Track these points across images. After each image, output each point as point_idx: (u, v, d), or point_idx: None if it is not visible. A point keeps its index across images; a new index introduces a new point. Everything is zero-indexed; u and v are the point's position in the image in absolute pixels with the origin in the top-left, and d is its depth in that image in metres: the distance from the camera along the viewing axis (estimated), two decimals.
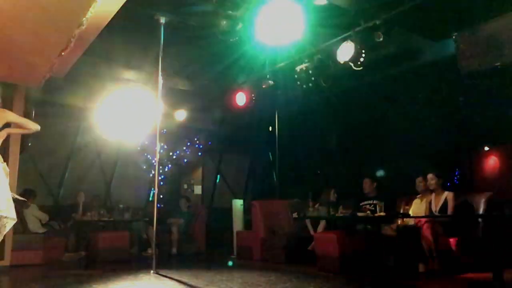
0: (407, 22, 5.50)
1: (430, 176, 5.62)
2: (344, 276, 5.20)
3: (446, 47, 5.71)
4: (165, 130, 8.41)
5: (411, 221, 5.62)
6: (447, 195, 5.43)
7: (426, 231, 5.18)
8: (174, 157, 10.05)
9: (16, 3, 3.82)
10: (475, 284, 4.59)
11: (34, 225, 6.83)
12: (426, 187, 5.75)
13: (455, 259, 5.03)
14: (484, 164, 8.20)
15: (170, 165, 9.94)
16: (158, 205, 5.85)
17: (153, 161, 6.53)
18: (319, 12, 5.76)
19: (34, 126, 4.18)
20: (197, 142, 10.43)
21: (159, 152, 6.04)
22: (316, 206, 6.46)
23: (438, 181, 5.55)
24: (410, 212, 5.69)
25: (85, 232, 7.54)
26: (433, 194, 5.61)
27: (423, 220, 5.34)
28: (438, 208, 5.44)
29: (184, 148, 10.34)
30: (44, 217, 7.05)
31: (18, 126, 4.17)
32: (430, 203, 5.56)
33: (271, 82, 7.07)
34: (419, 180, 5.82)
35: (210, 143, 10.51)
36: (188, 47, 7.04)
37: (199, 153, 10.66)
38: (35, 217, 6.90)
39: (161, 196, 8.98)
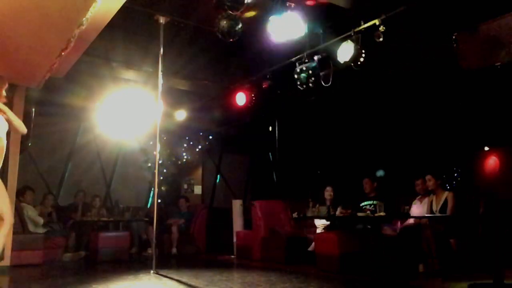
0: (407, 22, 5.50)
1: (428, 177, 5.63)
2: (344, 276, 5.20)
3: (446, 47, 5.71)
4: (164, 137, 8.42)
5: (411, 222, 5.62)
6: (447, 195, 5.43)
7: (426, 231, 5.18)
8: (174, 158, 10.06)
9: (16, 3, 3.81)
10: (475, 284, 4.58)
11: (33, 225, 6.81)
12: (425, 188, 5.76)
13: (455, 259, 5.03)
14: (484, 165, 8.19)
15: (170, 163, 9.94)
16: (159, 201, 5.83)
17: (154, 161, 6.53)
18: (319, 12, 5.76)
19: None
20: (197, 142, 10.43)
21: (159, 152, 6.04)
22: (317, 206, 6.46)
23: (436, 182, 5.56)
24: (410, 213, 5.70)
25: (85, 232, 7.53)
26: (434, 195, 5.62)
27: (423, 220, 5.35)
28: (438, 208, 5.45)
29: (184, 148, 10.34)
30: (38, 219, 6.93)
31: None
32: (431, 203, 5.57)
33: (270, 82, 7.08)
34: (418, 182, 5.83)
35: (210, 143, 10.51)
36: (188, 47, 7.03)
37: (199, 153, 10.66)
38: (30, 218, 6.78)
39: (161, 198, 8.98)
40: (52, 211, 7.60)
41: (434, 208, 5.51)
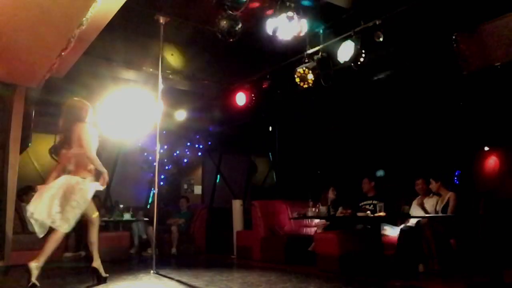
0: (407, 22, 5.50)
1: (431, 180, 5.63)
2: (344, 276, 5.20)
3: (446, 47, 5.71)
4: (164, 131, 8.42)
5: (412, 222, 5.62)
6: (450, 195, 5.43)
7: (427, 232, 5.18)
8: (175, 156, 10.06)
9: (16, 3, 3.82)
10: (475, 284, 4.58)
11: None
12: (425, 188, 5.76)
13: (455, 259, 5.03)
14: (484, 165, 8.20)
15: (170, 165, 9.95)
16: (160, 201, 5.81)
17: (154, 162, 6.54)
18: (319, 12, 5.77)
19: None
20: (197, 142, 10.43)
21: (159, 152, 6.04)
22: (318, 205, 6.47)
23: (437, 184, 5.56)
24: (410, 213, 5.70)
25: (85, 232, 7.51)
26: (438, 196, 5.61)
27: (423, 220, 5.34)
28: (440, 208, 5.45)
29: (184, 148, 10.34)
30: None
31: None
32: (436, 203, 5.56)
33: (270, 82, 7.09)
34: (418, 182, 5.83)
35: (210, 143, 10.51)
36: (188, 47, 7.04)
37: (199, 153, 10.66)
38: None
39: (161, 197, 8.99)
40: None
41: (437, 208, 5.51)
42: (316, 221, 6.82)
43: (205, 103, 8.93)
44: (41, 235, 4.14)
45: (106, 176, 4.22)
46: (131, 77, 7.48)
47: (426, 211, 5.50)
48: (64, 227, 4.06)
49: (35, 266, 3.99)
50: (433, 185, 5.59)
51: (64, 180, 4.06)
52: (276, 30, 5.23)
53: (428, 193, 5.75)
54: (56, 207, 3.97)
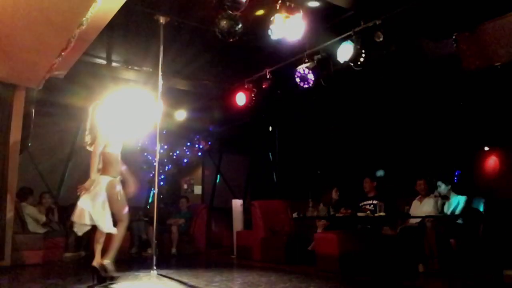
0: (407, 22, 5.50)
1: (438, 183, 5.62)
2: (344, 276, 5.20)
3: (446, 47, 5.71)
4: (165, 131, 8.42)
5: (412, 222, 5.62)
6: (460, 199, 5.42)
7: (430, 232, 5.17)
8: (174, 156, 10.06)
9: (17, 3, 3.82)
10: (475, 284, 4.58)
11: (33, 225, 6.80)
12: (426, 188, 5.75)
13: (455, 259, 5.03)
14: (484, 165, 8.21)
15: (170, 165, 9.94)
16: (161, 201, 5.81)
17: (154, 162, 6.54)
18: (319, 12, 5.76)
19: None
20: (197, 142, 10.43)
21: (159, 152, 6.04)
22: (320, 206, 6.46)
23: (445, 187, 5.55)
24: (410, 213, 5.70)
25: (86, 232, 7.50)
26: (446, 199, 5.59)
27: (426, 220, 5.34)
28: (449, 211, 5.44)
29: (184, 148, 10.33)
30: (40, 217, 6.95)
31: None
32: (442, 206, 5.55)
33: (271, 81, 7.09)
34: (420, 182, 5.82)
35: (210, 143, 10.50)
36: (188, 47, 7.03)
37: (199, 153, 10.67)
38: (31, 217, 6.81)
39: (161, 196, 8.99)
40: (54, 208, 7.61)
41: (445, 209, 5.49)
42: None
43: (205, 103, 8.93)
44: (80, 234, 4.35)
45: (87, 184, 4.35)
46: (131, 77, 7.47)
47: (436, 208, 5.47)
48: (114, 229, 4.26)
49: (108, 262, 4.19)
50: (443, 188, 5.57)
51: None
52: (277, 30, 5.22)
53: (428, 193, 5.74)
54: (90, 208, 4.23)
